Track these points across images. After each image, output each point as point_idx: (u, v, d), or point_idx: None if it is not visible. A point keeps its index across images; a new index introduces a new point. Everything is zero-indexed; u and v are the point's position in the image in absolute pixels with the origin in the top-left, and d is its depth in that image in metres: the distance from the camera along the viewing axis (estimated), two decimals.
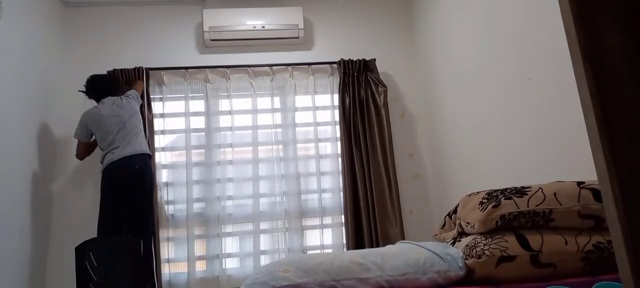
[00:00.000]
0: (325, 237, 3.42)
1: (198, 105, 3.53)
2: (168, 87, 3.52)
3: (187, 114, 3.45)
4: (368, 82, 3.58)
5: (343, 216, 3.41)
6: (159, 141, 3.40)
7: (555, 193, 1.32)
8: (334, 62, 3.63)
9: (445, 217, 1.67)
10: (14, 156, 2.78)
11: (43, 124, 3.17)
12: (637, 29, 0.63)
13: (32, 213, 2.97)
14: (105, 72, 3.36)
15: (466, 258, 1.30)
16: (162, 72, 3.49)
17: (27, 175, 2.94)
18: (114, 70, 3.38)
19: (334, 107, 3.62)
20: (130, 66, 3.41)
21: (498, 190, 1.40)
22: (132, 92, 3.19)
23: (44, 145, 3.16)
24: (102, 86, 3.12)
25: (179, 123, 3.48)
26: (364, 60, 3.60)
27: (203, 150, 3.43)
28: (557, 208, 1.29)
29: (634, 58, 0.62)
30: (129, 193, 2.89)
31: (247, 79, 3.59)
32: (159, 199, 3.26)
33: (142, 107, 3.27)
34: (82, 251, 2.64)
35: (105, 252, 2.67)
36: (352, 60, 3.59)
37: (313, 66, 3.65)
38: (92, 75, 3.15)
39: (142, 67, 3.38)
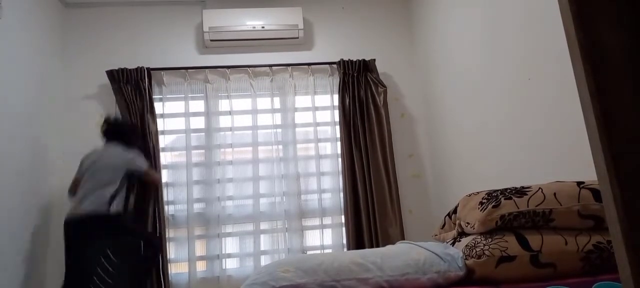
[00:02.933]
0: (325, 237, 3.42)
1: (198, 105, 3.53)
2: (168, 87, 3.52)
3: (187, 115, 3.45)
4: (368, 83, 3.57)
5: (343, 216, 3.41)
6: (159, 142, 3.40)
7: (555, 193, 1.32)
8: (334, 63, 3.63)
9: (445, 217, 1.67)
10: (13, 156, 2.78)
11: (43, 124, 3.17)
12: (637, 28, 0.63)
13: (32, 214, 2.96)
14: (104, 72, 3.36)
15: (466, 259, 1.30)
16: (162, 72, 3.49)
17: (27, 175, 2.93)
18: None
19: (333, 107, 3.62)
20: (131, 66, 3.41)
21: (498, 190, 1.40)
22: (140, 160, 2.89)
23: (43, 144, 3.16)
24: (114, 129, 2.94)
25: (179, 123, 3.48)
26: (363, 60, 3.60)
27: (203, 151, 3.43)
28: (557, 208, 1.29)
29: (634, 58, 0.62)
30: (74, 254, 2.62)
31: (247, 79, 3.59)
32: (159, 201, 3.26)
33: (143, 113, 3.26)
34: None
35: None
36: (351, 61, 3.59)
37: (313, 66, 3.65)
38: (108, 115, 2.99)
39: (144, 67, 3.38)
